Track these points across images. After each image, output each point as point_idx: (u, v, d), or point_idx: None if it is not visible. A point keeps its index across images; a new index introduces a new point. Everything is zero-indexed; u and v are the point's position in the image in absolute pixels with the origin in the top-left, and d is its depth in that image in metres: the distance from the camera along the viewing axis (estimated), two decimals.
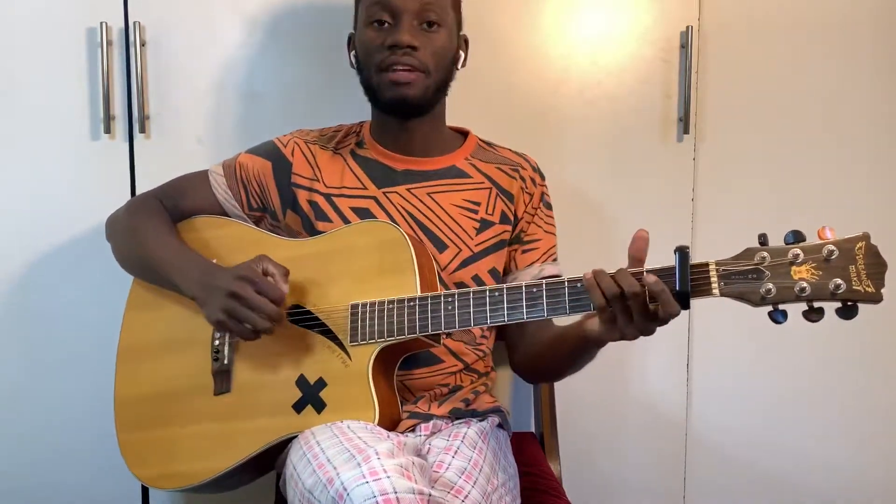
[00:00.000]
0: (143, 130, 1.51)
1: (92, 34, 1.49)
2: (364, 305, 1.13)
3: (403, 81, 1.18)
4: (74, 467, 1.58)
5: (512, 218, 1.28)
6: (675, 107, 1.58)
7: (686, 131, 1.57)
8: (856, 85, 1.60)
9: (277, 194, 1.29)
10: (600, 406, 1.65)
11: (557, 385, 1.54)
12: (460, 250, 1.24)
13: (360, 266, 1.16)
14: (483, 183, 1.27)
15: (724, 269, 0.95)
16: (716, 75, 1.58)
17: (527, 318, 1.05)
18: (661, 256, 1.58)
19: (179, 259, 1.20)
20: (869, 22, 1.58)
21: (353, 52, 1.27)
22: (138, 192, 1.52)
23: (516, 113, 1.57)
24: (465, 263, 1.24)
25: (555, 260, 1.33)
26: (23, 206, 1.53)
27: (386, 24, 1.19)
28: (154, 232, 1.25)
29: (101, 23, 1.47)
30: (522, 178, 1.30)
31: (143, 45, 1.50)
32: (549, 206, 1.33)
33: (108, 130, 1.51)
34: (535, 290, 1.04)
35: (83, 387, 1.55)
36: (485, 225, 1.26)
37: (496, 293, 1.06)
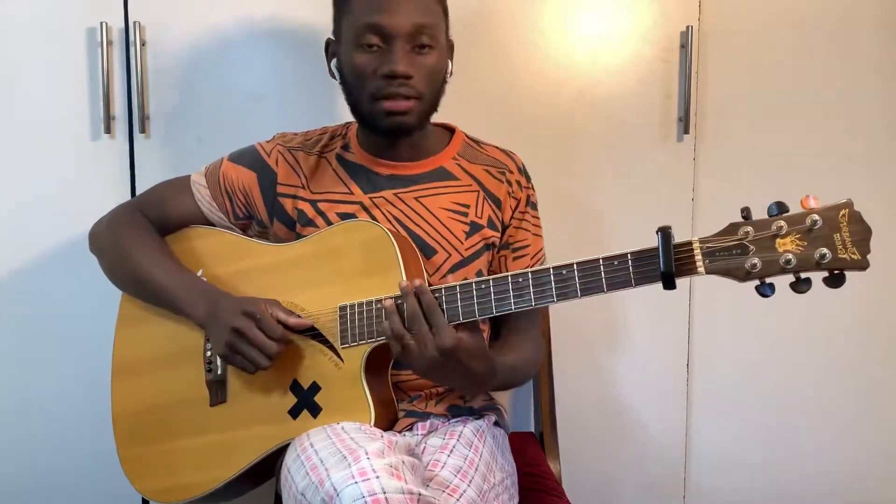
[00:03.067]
0: (143, 130, 1.52)
1: (92, 34, 1.49)
2: (352, 307, 1.12)
3: (400, 111, 1.15)
4: (76, 475, 1.58)
5: (499, 224, 1.26)
6: (675, 107, 1.57)
7: (686, 131, 1.57)
8: (856, 85, 1.60)
9: (264, 205, 1.27)
10: (600, 406, 1.65)
11: (557, 385, 1.54)
12: (450, 255, 1.22)
13: (345, 267, 1.15)
14: (471, 185, 1.25)
15: (707, 247, 0.94)
16: (716, 75, 1.58)
17: (515, 308, 1.03)
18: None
19: (182, 286, 1.19)
20: (869, 22, 1.58)
21: (333, 62, 1.22)
22: (138, 192, 1.52)
23: (516, 113, 1.57)
24: (455, 268, 1.22)
25: (542, 263, 1.31)
26: (23, 207, 1.53)
27: (376, 48, 1.14)
28: (148, 255, 1.23)
29: (101, 23, 1.48)
30: (509, 182, 1.27)
31: (143, 45, 1.50)
32: (535, 207, 1.31)
33: (108, 130, 1.51)
34: (520, 279, 1.03)
35: (85, 392, 1.55)
36: (474, 228, 1.24)
37: (482, 285, 1.04)
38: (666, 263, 0.94)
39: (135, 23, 1.48)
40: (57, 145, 1.52)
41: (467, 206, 1.24)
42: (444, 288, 1.06)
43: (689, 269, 0.95)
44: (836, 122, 1.61)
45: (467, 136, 1.31)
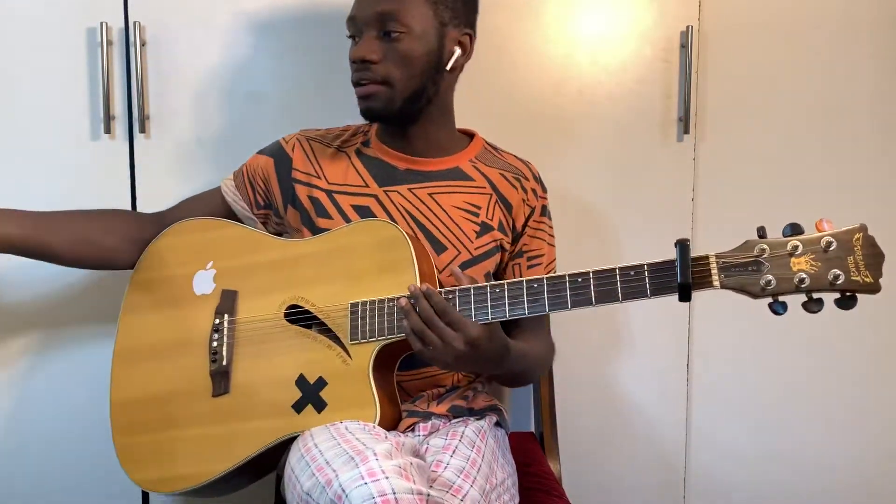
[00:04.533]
0: (143, 130, 1.51)
1: (92, 34, 1.49)
2: (364, 304, 1.13)
3: (365, 95, 1.19)
4: (74, 468, 1.58)
5: (510, 230, 1.27)
6: (675, 107, 1.58)
7: (686, 131, 1.57)
8: (856, 85, 1.60)
9: (279, 189, 1.29)
10: (600, 406, 1.65)
11: (557, 385, 1.54)
12: (459, 253, 1.23)
13: (359, 265, 1.15)
14: (485, 188, 1.27)
15: (723, 262, 0.97)
16: (716, 75, 1.58)
17: (528, 313, 1.05)
18: (659, 259, 1.58)
19: None
20: (869, 22, 1.58)
21: None
22: (138, 191, 1.53)
23: (516, 113, 1.57)
24: (463, 267, 1.23)
25: (554, 271, 1.34)
26: (23, 207, 1.52)
27: (356, 38, 1.21)
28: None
29: (101, 23, 1.47)
30: (524, 189, 1.28)
31: (143, 45, 1.50)
32: (549, 217, 1.33)
33: (108, 130, 1.51)
34: (535, 285, 1.04)
35: (83, 388, 1.55)
36: (485, 229, 1.25)
37: (497, 290, 1.06)
38: (684, 275, 0.96)
39: (135, 23, 1.48)
40: (57, 145, 1.51)
41: (478, 207, 1.25)
42: (458, 290, 1.07)
43: (704, 282, 0.97)
44: (836, 121, 1.61)
45: (486, 143, 1.33)
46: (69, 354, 1.55)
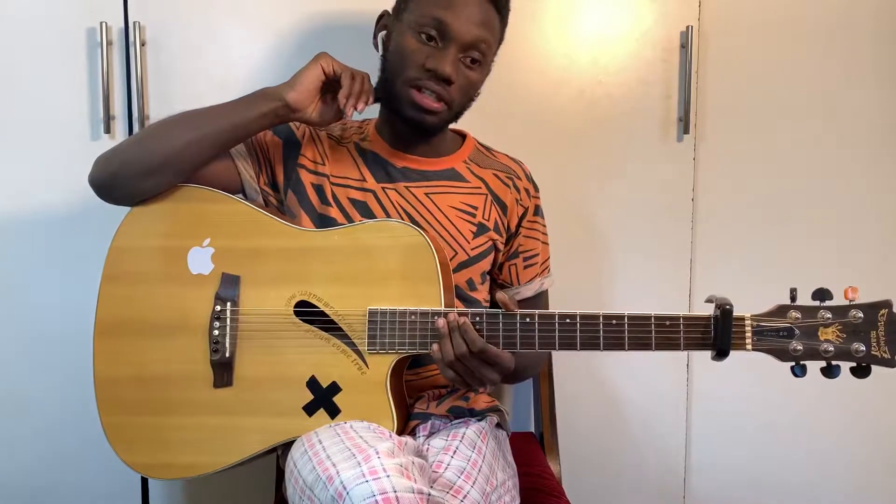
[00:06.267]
0: None
1: (92, 34, 1.49)
2: (384, 313, 1.10)
3: (428, 109, 1.16)
4: (73, 464, 1.58)
5: (504, 230, 1.28)
6: (675, 107, 1.58)
7: (686, 131, 1.57)
8: (856, 85, 1.60)
9: (283, 171, 1.25)
10: (600, 406, 1.65)
11: (557, 385, 1.54)
12: (456, 253, 1.23)
13: (379, 268, 1.12)
14: (480, 188, 1.27)
15: (758, 325, 1.02)
16: (716, 75, 1.58)
17: (559, 348, 1.06)
18: (659, 258, 1.59)
19: (239, 100, 1.19)
20: (869, 22, 1.58)
21: (382, 34, 1.23)
22: None
23: (516, 113, 1.57)
24: (460, 267, 1.23)
25: (548, 270, 1.35)
26: (22, 207, 1.53)
27: (432, 42, 1.15)
28: (191, 112, 1.19)
29: (101, 23, 1.48)
30: (517, 189, 1.29)
31: (143, 45, 1.50)
32: (542, 216, 1.33)
33: (108, 130, 1.51)
34: (568, 320, 1.06)
35: (81, 385, 1.53)
36: (481, 229, 1.25)
37: (527, 319, 1.06)
38: (723, 341, 1.01)
39: (135, 23, 1.48)
40: (57, 145, 1.51)
41: (475, 208, 1.26)
42: (486, 314, 1.07)
43: (738, 344, 1.02)
44: (835, 121, 1.61)
45: (478, 143, 1.33)
46: (69, 359, 1.55)
